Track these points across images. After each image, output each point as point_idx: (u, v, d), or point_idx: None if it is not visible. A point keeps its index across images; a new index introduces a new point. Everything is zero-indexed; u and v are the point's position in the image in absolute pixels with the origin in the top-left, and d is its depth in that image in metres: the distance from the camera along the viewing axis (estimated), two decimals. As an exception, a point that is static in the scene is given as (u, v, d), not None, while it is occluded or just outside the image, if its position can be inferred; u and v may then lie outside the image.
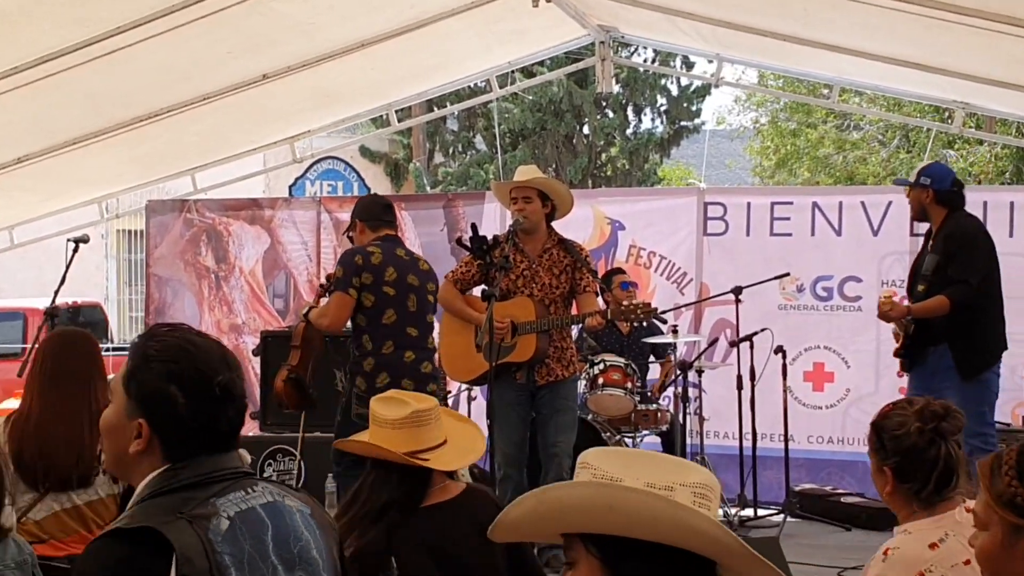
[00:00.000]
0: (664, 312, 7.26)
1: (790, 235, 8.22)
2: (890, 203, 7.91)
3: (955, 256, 6.02)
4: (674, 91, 21.69)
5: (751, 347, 7.25)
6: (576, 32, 8.35)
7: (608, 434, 7.09)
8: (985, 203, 7.85)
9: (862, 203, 8.08)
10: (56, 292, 6.65)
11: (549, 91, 20.00)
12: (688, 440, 7.46)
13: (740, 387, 7.26)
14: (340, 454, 5.34)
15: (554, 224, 6.21)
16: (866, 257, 8.03)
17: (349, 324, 5.91)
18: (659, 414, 7.42)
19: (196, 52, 6.60)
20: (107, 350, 7.69)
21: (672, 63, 20.42)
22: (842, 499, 7.61)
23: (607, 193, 13.51)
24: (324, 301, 6.03)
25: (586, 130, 21.43)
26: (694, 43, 8.31)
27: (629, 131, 21.78)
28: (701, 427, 7.58)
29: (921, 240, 6.50)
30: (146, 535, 1.96)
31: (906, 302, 6.20)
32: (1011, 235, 7.79)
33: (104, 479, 4.07)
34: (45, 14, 5.62)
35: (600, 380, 7.29)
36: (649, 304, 6.01)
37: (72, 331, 4.46)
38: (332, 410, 5.99)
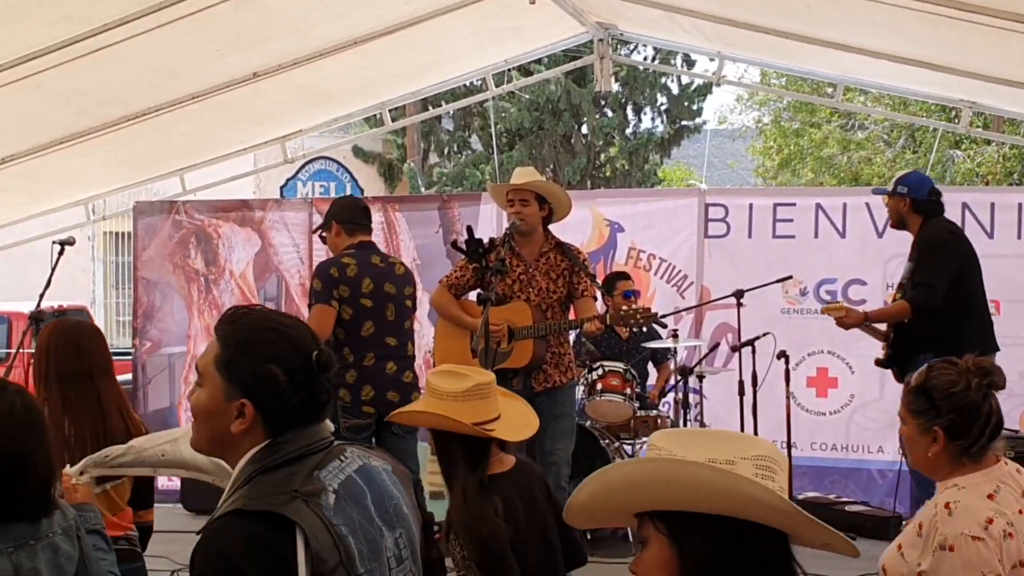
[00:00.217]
0: (664, 316, 7.26)
1: (793, 237, 8.22)
2: (895, 205, 7.92)
3: (921, 261, 6.24)
4: (675, 90, 21.71)
5: (753, 352, 7.24)
6: (574, 29, 8.35)
7: (607, 441, 7.09)
8: (992, 204, 7.87)
9: (867, 204, 8.08)
10: (41, 296, 6.65)
11: (547, 90, 20.02)
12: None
13: (742, 393, 7.25)
14: None
15: (552, 226, 6.22)
16: (871, 260, 8.04)
17: None
18: (659, 420, 7.42)
19: (185, 50, 6.60)
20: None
21: (673, 61, 20.46)
22: (846, 508, 7.62)
23: (606, 194, 13.50)
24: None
25: (584, 130, 21.44)
26: (695, 41, 8.32)
27: (628, 131, 21.80)
28: (702, 434, 7.56)
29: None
30: (263, 513, 2.11)
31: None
32: (1019, 236, 7.81)
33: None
34: (30, 11, 5.61)
35: (599, 386, 7.29)
36: (649, 308, 6.02)
37: (77, 326, 4.44)
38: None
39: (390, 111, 9.17)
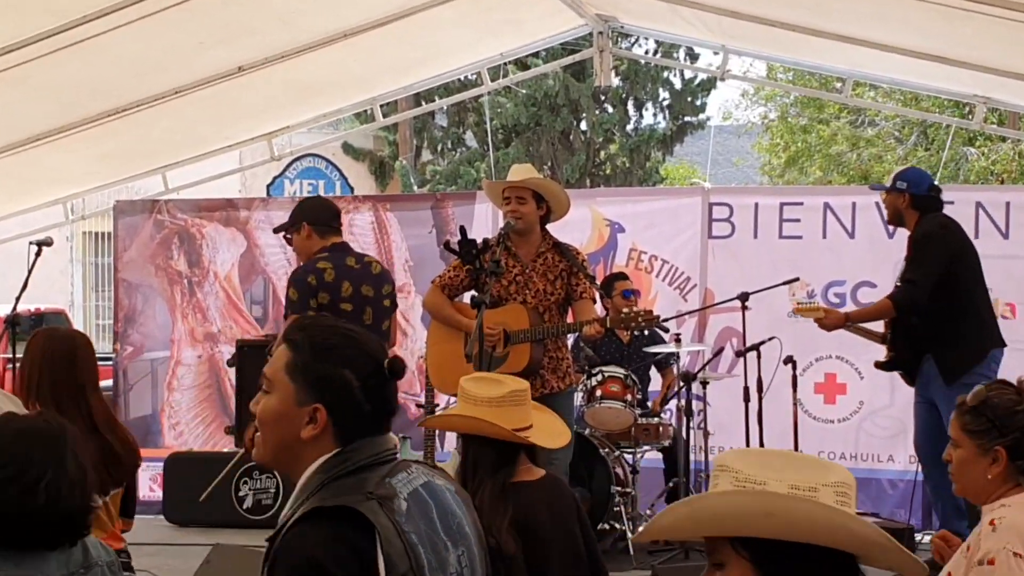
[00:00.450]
0: (666, 320, 7.27)
1: (800, 238, 8.22)
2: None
3: (910, 257, 6.33)
4: (677, 85, 21.71)
5: (759, 357, 7.24)
6: (573, 22, 8.36)
7: (606, 450, 7.09)
8: (1008, 204, 7.88)
9: (876, 204, 8.03)
10: (17, 298, 6.65)
11: (544, 84, 20.01)
12: (692, 456, 7.46)
13: (747, 400, 7.25)
14: None
15: (550, 226, 6.21)
16: (881, 261, 8.03)
17: None
18: (661, 428, 7.41)
19: (167, 43, 6.60)
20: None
21: (675, 55, 20.43)
22: (856, 519, 7.61)
23: (606, 193, 13.52)
24: (246, 331, 6.04)
25: (584, 126, 21.45)
26: (698, 33, 8.33)
27: (629, 127, 21.80)
28: (706, 442, 7.57)
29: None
30: (344, 513, 2.18)
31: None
32: (1034, 236, 7.81)
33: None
34: (8, 2, 5.62)
35: (598, 392, 7.29)
36: (651, 312, 6.01)
37: (71, 337, 4.46)
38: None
39: (381, 106, 9.18)
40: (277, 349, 2.40)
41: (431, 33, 7.66)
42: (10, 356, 7.75)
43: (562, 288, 6.07)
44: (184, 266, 9.30)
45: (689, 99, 21.73)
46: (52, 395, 4.08)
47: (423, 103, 13.72)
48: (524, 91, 20.03)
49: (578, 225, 8.10)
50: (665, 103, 21.88)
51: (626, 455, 7.35)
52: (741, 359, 7.40)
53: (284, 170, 16.40)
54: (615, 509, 6.93)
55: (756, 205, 8.37)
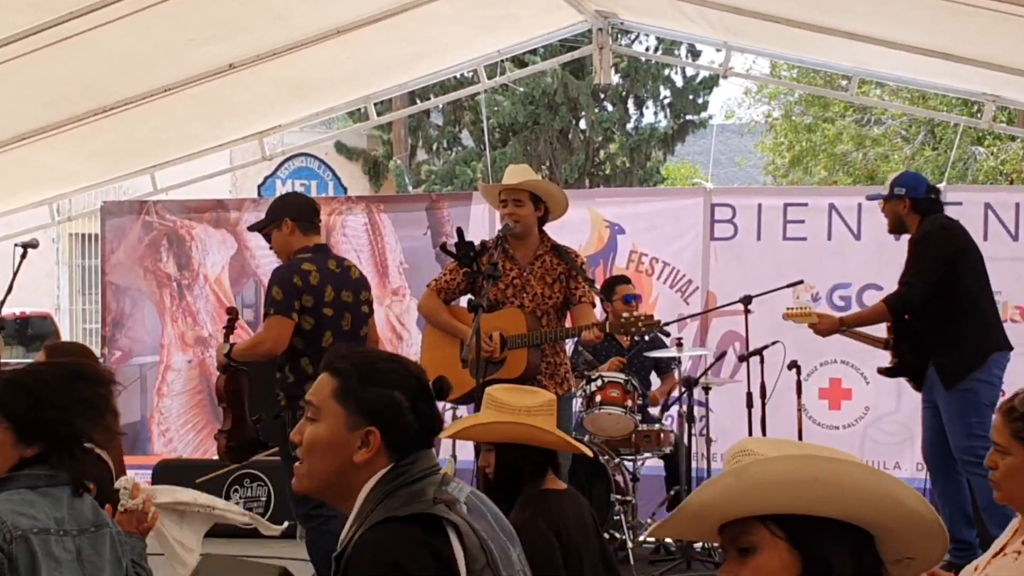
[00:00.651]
0: (668, 324, 7.27)
1: (805, 239, 8.24)
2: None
3: (908, 260, 6.36)
4: (679, 82, 21.71)
5: (762, 362, 7.24)
6: (572, 18, 8.36)
7: (606, 457, 7.09)
8: (1017, 205, 7.89)
9: (882, 204, 8.09)
10: (2, 302, 6.65)
11: (542, 82, 20.01)
12: (694, 463, 7.46)
13: (750, 405, 7.25)
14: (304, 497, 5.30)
15: (547, 227, 6.22)
16: (887, 263, 8.00)
17: None
18: (662, 435, 7.41)
19: (157, 39, 6.60)
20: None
21: (676, 52, 20.46)
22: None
23: (605, 193, 13.53)
24: (239, 336, 6.03)
25: (583, 125, 21.45)
26: (700, 30, 8.33)
27: (629, 126, 21.80)
28: (708, 449, 7.57)
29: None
30: (416, 519, 2.33)
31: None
32: (1042, 237, 7.83)
33: None
34: (-9, -3, 5.62)
35: (598, 398, 7.28)
36: (651, 316, 6.02)
37: (77, 350, 4.53)
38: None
39: (375, 105, 9.18)
40: (320, 377, 2.51)
41: (427, 30, 7.67)
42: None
43: (560, 292, 6.07)
44: (173, 268, 9.30)
45: (691, 97, 21.73)
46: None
47: (418, 101, 13.72)
48: (522, 89, 20.04)
49: (577, 226, 8.11)
50: (666, 101, 21.88)
51: (626, 462, 7.35)
52: (744, 364, 7.40)
53: (276, 170, 16.42)
54: (615, 518, 6.92)
55: (759, 206, 8.37)
